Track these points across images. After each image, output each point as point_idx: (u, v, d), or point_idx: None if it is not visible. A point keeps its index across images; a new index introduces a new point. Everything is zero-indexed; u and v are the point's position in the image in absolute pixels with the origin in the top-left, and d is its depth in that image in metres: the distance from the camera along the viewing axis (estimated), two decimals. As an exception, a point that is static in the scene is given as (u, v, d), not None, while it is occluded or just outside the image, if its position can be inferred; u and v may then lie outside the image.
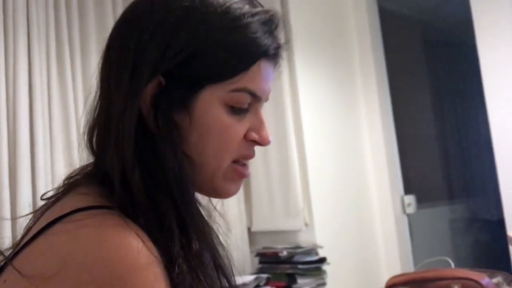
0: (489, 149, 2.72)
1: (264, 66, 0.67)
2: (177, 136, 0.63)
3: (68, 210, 0.57)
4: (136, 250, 0.52)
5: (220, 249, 0.66)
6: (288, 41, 0.71)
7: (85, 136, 0.67)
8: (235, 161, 0.68)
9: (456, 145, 3.84)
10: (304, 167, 2.84)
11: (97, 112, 0.66)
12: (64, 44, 2.46)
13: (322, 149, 2.94)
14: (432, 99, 3.82)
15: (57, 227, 0.56)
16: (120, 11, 2.65)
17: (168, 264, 0.56)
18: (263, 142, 0.69)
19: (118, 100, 0.62)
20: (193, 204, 0.64)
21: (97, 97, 0.67)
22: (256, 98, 0.67)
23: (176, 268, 0.56)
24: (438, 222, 3.58)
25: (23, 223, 0.65)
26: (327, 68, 3.07)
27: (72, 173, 0.68)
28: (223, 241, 0.68)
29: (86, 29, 2.58)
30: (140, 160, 0.60)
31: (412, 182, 3.27)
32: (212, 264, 0.62)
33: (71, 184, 0.65)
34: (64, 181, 0.67)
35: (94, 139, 0.65)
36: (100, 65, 0.68)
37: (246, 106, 0.66)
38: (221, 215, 0.72)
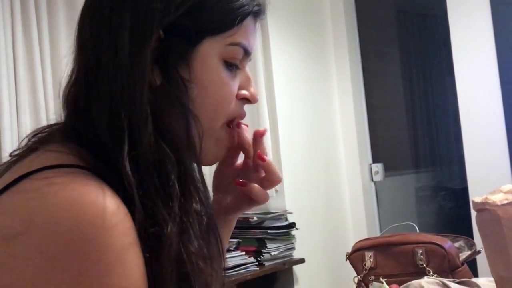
0: (455, 119, 2.79)
1: (252, 21, 0.68)
2: (184, 90, 0.62)
3: (36, 167, 0.53)
4: (108, 211, 0.50)
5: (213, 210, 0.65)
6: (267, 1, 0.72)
7: (64, 94, 0.64)
8: (227, 124, 0.68)
9: (424, 115, 3.92)
10: (275, 135, 2.87)
11: (79, 68, 0.63)
12: (29, 4, 2.37)
13: (293, 118, 2.97)
14: (402, 70, 3.87)
15: (23, 184, 0.53)
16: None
17: (156, 225, 0.54)
18: (252, 99, 0.69)
19: (120, 56, 0.59)
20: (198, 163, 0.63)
21: (79, 57, 0.63)
22: (247, 54, 0.67)
23: (168, 230, 0.55)
24: (404, 190, 3.68)
25: None
26: (300, 38, 3.07)
27: (37, 130, 0.64)
28: None
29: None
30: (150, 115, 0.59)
31: (380, 150, 3.33)
32: (206, 226, 0.62)
33: (40, 141, 0.62)
34: (29, 138, 0.63)
35: (78, 96, 0.62)
36: (81, 19, 0.64)
37: (238, 62, 0.67)
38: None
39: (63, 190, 0.50)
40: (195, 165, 0.63)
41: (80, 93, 0.62)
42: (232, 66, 0.66)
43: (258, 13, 0.69)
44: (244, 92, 0.69)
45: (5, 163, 0.61)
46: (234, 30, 0.65)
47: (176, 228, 0.56)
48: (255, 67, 2.81)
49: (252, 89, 0.69)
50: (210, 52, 0.64)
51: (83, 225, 0.49)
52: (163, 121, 0.60)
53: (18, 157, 0.61)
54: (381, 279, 1.40)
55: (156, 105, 0.60)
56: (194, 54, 0.63)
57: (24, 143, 0.63)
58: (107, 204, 0.51)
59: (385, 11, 3.79)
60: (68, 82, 0.64)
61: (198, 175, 0.63)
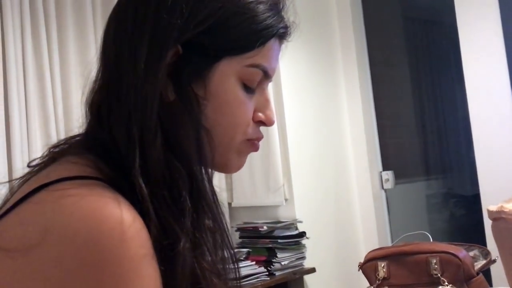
0: (466, 126, 2.77)
1: (276, 44, 0.67)
2: (196, 106, 0.61)
3: (54, 178, 0.54)
4: (125, 223, 0.50)
5: (226, 225, 0.65)
6: (297, 22, 0.71)
7: (87, 103, 0.64)
8: (248, 140, 0.68)
9: (433, 122, 3.89)
10: (284, 143, 2.86)
11: (103, 78, 0.64)
12: (39, 16, 2.39)
13: (303, 125, 2.96)
14: (411, 77, 3.85)
15: (41, 195, 0.53)
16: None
17: (170, 240, 0.54)
18: (268, 123, 0.69)
19: (137, 68, 0.59)
20: (210, 180, 0.63)
21: (103, 66, 0.64)
22: (266, 77, 0.67)
23: (181, 245, 0.55)
24: (415, 197, 3.64)
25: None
26: (308, 45, 3.06)
27: (58, 142, 0.65)
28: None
29: (61, 0, 2.52)
30: (161, 130, 0.59)
31: (390, 158, 3.31)
32: (220, 242, 0.62)
33: (59, 153, 0.62)
34: (49, 149, 0.64)
35: (100, 105, 0.62)
36: (107, 28, 0.65)
37: (256, 84, 0.66)
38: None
39: (80, 202, 0.50)
40: (207, 181, 0.63)
41: (102, 102, 0.62)
42: (249, 88, 0.65)
43: (283, 35, 0.68)
44: (260, 115, 0.68)
45: (23, 176, 0.62)
46: (255, 52, 0.64)
47: (189, 243, 0.56)
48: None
49: (269, 112, 0.68)
50: (228, 71, 0.63)
51: (100, 238, 0.49)
52: (174, 136, 0.60)
53: (38, 168, 0.61)
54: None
55: (168, 120, 0.60)
56: (211, 72, 0.62)
57: (44, 154, 0.64)
58: (124, 217, 0.51)
59: (393, 18, 3.78)
60: (92, 90, 0.64)
61: (210, 191, 0.62)
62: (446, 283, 1.40)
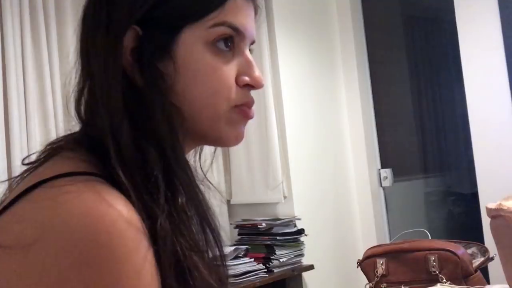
0: (464, 124, 2.77)
1: (241, 1, 0.64)
2: (164, 85, 0.60)
3: (50, 175, 0.53)
4: (121, 219, 0.50)
5: (206, 204, 0.63)
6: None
7: (72, 104, 0.64)
8: (236, 106, 0.65)
9: (432, 120, 3.90)
10: (283, 140, 2.86)
11: (80, 77, 0.64)
12: (38, 13, 2.39)
13: (302, 123, 2.96)
14: (410, 75, 3.85)
15: (37, 192, 0.52)
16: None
17: (149, 219, 0.54)
18: (256, 84, 0.65)
19: (98, 59, 0.60)
20: (182, 157, 0.61)
21: (78, 63, 0.64)
22: (239, 34, 0.64)
23: (158, 224, 0.54)
24: (413, 195, 3.65)
25: None
26: (308, 43, 3.07)
27: (56, 139, 0.64)
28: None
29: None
30: (129, 114, 0.59)
31: (388, 156, 3.32)
32: (198, 219, 0.61)
33: (55, 149, 0.62)
34: (46, 146, 0.63)
35: (82, 105, 0.63)
36: (77, 29, 0.65)
37: (230, 46, 0.63)
38: (206, 184, 0.69)
39: (76, 199, 0.50)
40: (183, 160, 0.61)
41: (85, 100, 0.63)
42: (221, 50, 0.62)
43: None
44: (245, 78, 0.64)
45: (21, 173, 0.61)
46: (217, 13, 0.61)
47: (167, 222, 0.55)
48: (262, 72, 2.81)
49: (254, 74, 0.64)
50: (192, 40, 0.61)
51: (96, 234, 0.49)
52: (144, 119, 0.59)
53: (34, 165, 0.61)
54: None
55: (138, 104, 0.59)
56: (175, 45, 0.61)
57: (40, 151, 0.63)
58: (120, 213, 0.51)
59: (393, 16, 3.78)
60: (76, 90, 0.65)
61: (186, 170, 0.61)
62: (445, 280, 1.41)
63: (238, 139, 0.67)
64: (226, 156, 3.01)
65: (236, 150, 2.92)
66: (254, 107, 0.67)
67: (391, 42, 3.75)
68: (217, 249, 0.63)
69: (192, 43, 0.61)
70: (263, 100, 2.79)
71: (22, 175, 0.60)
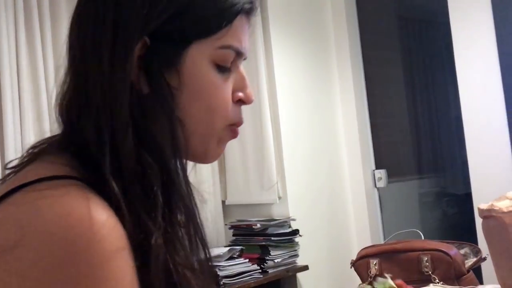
0: (458, 125, 2.78)
1: (243, 21, 0.65)
2: (170, 96, 0.60)
3: (31, 179, 0.53)
4: (97, 222, 0.50)
5: (202, 221, 0.63)
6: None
7: (57, 106, 0.63)
8: (229, 125, 0.66)
9: (426, 121, 3.91)
10: (278, 141, 2.86)
11: (70, 79, 0.63)
12: (33, 10, 2.38)
13: (296, 123, 2.97)
14: (404, 76, 3.86)
15: (18, 196, 0.52)
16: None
17: (143, 234, 0.54)
18: (247, 100, 0.67)
19: (103, 66, 0.59)
20: (183, 172, 0.62)
21: (70, 68, 0.63)
22: (239, 56, 0.65)
23: (153, 240, 0.54)
24: (407, 196, 3.66)
25: None
26: (302, 43, 3.07)
27: (38, 142, 0.64)
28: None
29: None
30: (133, 123, 0.58)
31: (383, 156, 3.33)
32: (194, 237, 0.61)
33: (37, 153, 0.62)
34: (28, 150, 0.63)
35: (70, 108, 0.62)
36: (70, 29, 0.64)
37: (229, 64, 0.65)
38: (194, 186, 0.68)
39: (56, 203, 0.50)
40: (182, 174, 0.61)
41: (72, 104, 0.62)
42: (224, 69, 0.64)
43: (249, 10, 0.66)
44: (239, 94, 0.66)
45: (3, 177, 0.61)
46: (224, 32, 0.63)
47: (162, 238, 0.56)
48: (257, 73, 2.81)
49: (247, 91, 0.67)
50: (199, 56, 0.62)
51: (74, 238, 0.49)
52: (147, 130, 0.59)
53: (16, 169, 0.61)
54: (385, 274, 1.38)
55: (142, 114, 0.59)
56: (182, 59, 0.61)
57: (24, 154, 0.63)
58: (97, 217, 0.51)
59: (387, 17, 3.80)
60: (60, 93, 0.64)
61: (184, 185, 0.61)
62: (437, 281, 1.42)
63: (217, 157, 0.68)
64: (221, 156, 3.01)
65: (231, 151, 2.92)
66: (248, 108, 0.69)
67: (385, 43, 3.77)
68: (209, 266, 0.64)
69: (199, 59, 0.62)
70: (258, 100, 2.80)
71: (4, 179, 0.60)
